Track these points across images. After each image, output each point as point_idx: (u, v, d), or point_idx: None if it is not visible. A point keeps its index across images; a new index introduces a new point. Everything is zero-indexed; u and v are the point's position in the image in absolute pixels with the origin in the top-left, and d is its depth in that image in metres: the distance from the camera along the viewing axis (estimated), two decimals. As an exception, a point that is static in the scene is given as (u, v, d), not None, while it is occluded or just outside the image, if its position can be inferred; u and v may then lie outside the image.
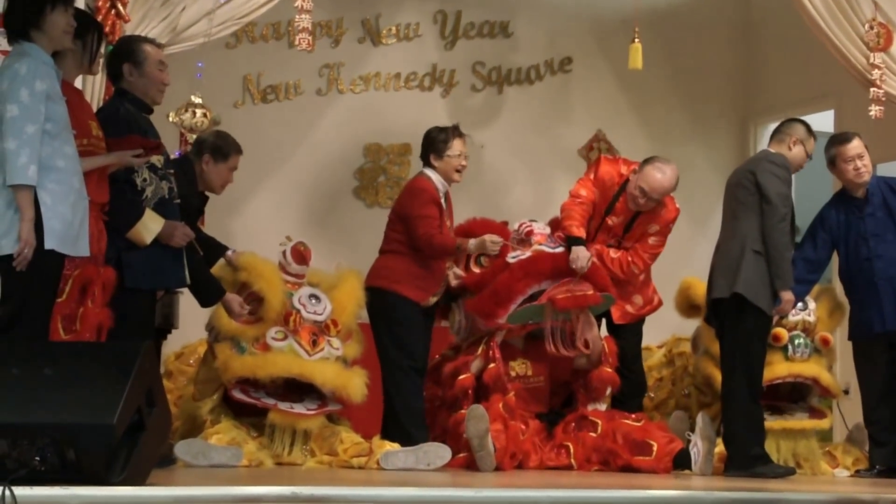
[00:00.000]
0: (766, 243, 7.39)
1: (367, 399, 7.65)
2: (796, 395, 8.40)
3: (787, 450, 8.10)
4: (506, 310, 7.76)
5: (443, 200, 7.96)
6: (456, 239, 7.82)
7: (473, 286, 7.92)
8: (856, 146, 7.93)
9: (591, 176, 8.30)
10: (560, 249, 7.95)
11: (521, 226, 8.08)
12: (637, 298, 8.34)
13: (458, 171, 7.96)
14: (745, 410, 7.47)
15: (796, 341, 8.23)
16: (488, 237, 7.83)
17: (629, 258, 8.22)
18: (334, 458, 7.43)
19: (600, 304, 7.93)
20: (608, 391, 8.09)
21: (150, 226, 6.47)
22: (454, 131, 7.99)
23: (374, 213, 10.22)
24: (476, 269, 7.98)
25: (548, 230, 8.09)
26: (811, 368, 8.31)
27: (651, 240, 8.26)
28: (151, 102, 6.77)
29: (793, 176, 7.61)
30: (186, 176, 7.26)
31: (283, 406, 7.37)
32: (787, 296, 7.49)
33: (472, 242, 7.82)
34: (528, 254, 7.91)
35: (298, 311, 7.50)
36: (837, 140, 8.04)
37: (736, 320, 7.45)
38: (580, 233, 8.00)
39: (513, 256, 7.89)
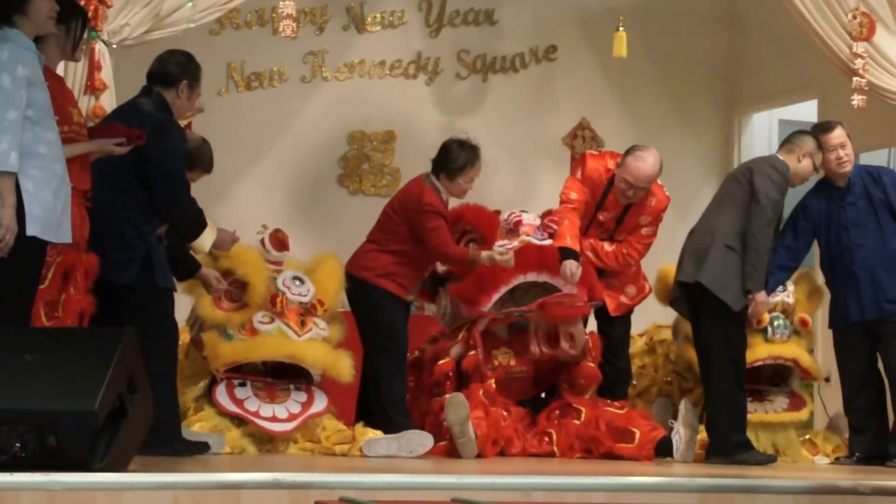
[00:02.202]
0: (747, 243, 7.44)
1: (351, 386, 7.68)
2: (777, 378, 8.41)
3: (766, 440, 8.13)
4: (489, 298, 7.76)
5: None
6: (469, 251, 7.81)
7: (460, 274, 7.92)
8: (838, 135, 7.93)
9: (579, 175, 8.23)
10: (548, 241, 7.94)
11: (510, 215, 8.07)
12: (630, 289, 8.34)
13: (464, 193, 7.96)
14: (727, 397, 7.51)
15: (775, 322, 8.25)
16: (497, 252, 7.74)
17: (624, 250, 8.23)
18: (317, 446, 7.45)
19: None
20: (591, 387, 8.09)
21: (209, 234, 6.86)
22: (474, 154, 7.89)
23: (358, 200, 10.22)
24: (465, 254, 7.98)
25: (537, 221, 8.07)
26: (791, 350, 8.33)
27: (644, 230, 8.26)
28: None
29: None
30: None
31: (262, 422, 7.33)
32: (761, 297, 7.56)
33: (485, 255, 7.75)
34: (515, 244, 7.90)
35: (284, 293, 7.50)
36: (820, 128, 8.04)
37: (706, 309, 7.51)
38: (572, 244, 7.93)
39: (500, 246, 7.88)
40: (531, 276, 7.83)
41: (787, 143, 7.82)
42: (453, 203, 8.13)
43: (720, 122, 11.41)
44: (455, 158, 7.84)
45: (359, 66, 10.46)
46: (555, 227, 7.99)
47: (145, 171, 6.55)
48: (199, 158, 7.28)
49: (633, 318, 8.62)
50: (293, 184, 10.20)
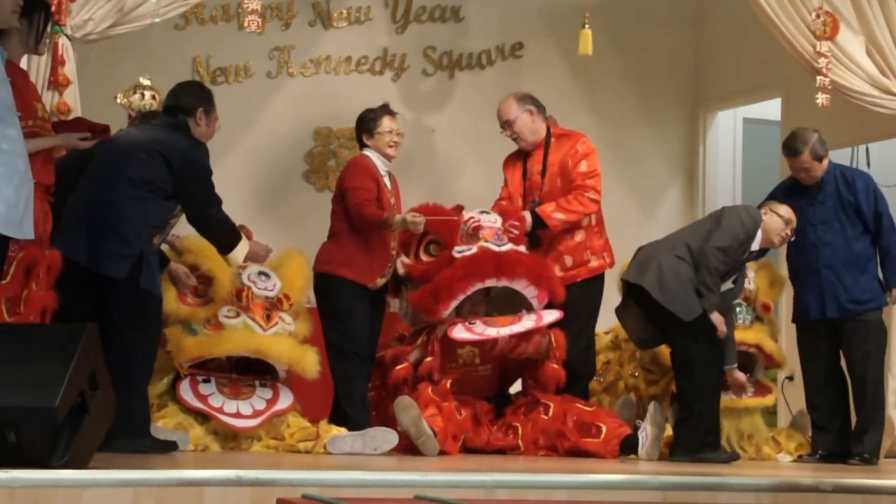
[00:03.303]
0: (699, 261, 7.52)
1: (316, 383, 7.64)
2: (741, 368, 8.37)
3: (731, 426, 8.11)
4: (446, 307, 7.69)
5: (385, 180, 7.97)
6: (383, 213, 7.77)
7: (418, 277, 7.88)
8: (803, 161, 7.99)
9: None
10: (507, 247, 7.88)
11: (469, 220, 7.98)
12: (567, 259, 8.31)
13: (390, 146, 7.99)
14: (697, 398, 7.53)
15: (737, 309, 8.24)
16: (409, 215, 7.79)
17: (574, 196, 8.18)
18: (281, 443, 7.42)
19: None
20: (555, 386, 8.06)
21: (243, 247, 7.02)
22: (382, 109, 8.05)
23: (324, 196, 10.12)
24: (424, 258, 7.94)
25: (498, 223, 7.97)
26: (754, 335, 8.35)
27: (581, 166, 8.26)
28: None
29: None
30: None
31: (226, 418, 7.31)
32: (716, 317, 7.59)
33: (398, 218, 7.76)
34: (473, 249, 7.86)
35: (249, 288, 7.48)
36: (787, 150, 8.09)
37: (663, 316, 7.57)
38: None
39: (458, 251, 7.83)
40: (489, 283, 7.78)
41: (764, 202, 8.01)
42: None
43: (685, 119, 11.39)
44: (366, 117, 8.04)
45: (325, 62, 10.42)
46: (516, 231, 7.96)
47: (162, 185, 6.78)
48: None
49: (599, 315, 8.59)
50: (259, 180, 10.15)
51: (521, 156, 8.44)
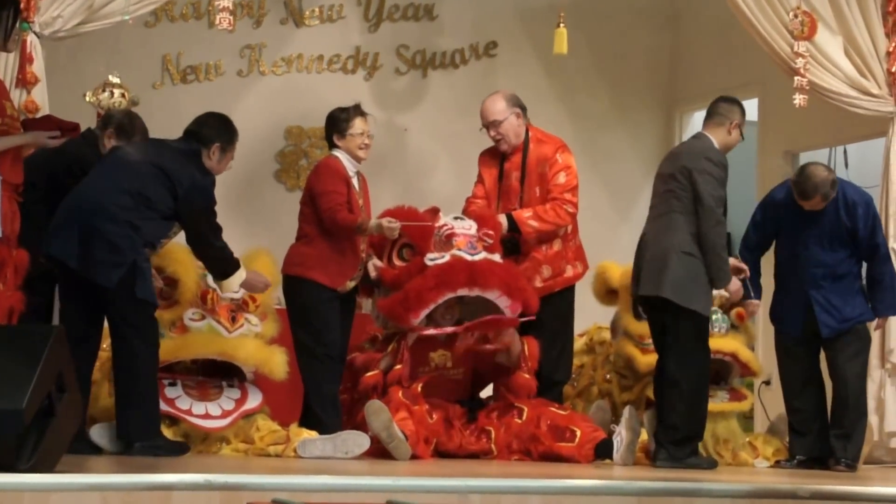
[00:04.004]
0: (702, 246, 7.40)
1: (286, 386, 7.63)
2: (716, 376, 8.34)
3: (708, 431, 8.05)
4: (416, 315, 7.64)
5: (354, 181, 7.94)
6: (358, 218, 7.76)
7: (389, 283, 7.84)
8: (812, 204, 7.86)
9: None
10: (480, 256, 7.83)
11: (443, 227, 7.92)
12: (545, 270, 8.31)
13: (361, 148, 7.96)
14: (689, 408, 7.47)
15: (713, 318, 8.14)
16: (385, 220, 7.74)
17: (552, 207, 8.16)
18: (250, 446, 7.38)
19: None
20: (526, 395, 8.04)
21: (239, 276, 7.13)
22: (355, 110, 7.99)
23: (295, 196, 10.04)
24: (398, 263, 7.89)
25: (472, 230, 7.91)
26: (729, 344, 8.31)
27: (560, 177, 8.22)
28: None
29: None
30: (91, 147, 7.32)
31: (195, 420, 7.30)
32: (733, 286, 7.60)
33: (372, 223, 7.75)
34: (446, 257, 7.84)
35: (214, 290, 7.44)
36: (797, 191, 7.86)
37: (672, 323, 7.47)
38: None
39: (431, 259, 7.79)
40: (461, 292, 7.74)
41: (714, 115, 7.68)
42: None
43: (661, 120, 11.43)
44: (338, 117, 7.98)
45: (296, 60, 10.42)
46: (490, 240, 7.94)
47: (162, 204, 6.89)
48: (134, 126, 7.43)
49: (574, 317, 8.59)
50: (229, 179, 9.96)
51: (497, 154, 8.39)
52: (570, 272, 8.33)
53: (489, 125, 8.26)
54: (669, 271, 7.39)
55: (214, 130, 7.21)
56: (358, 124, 7.95)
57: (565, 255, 8.30)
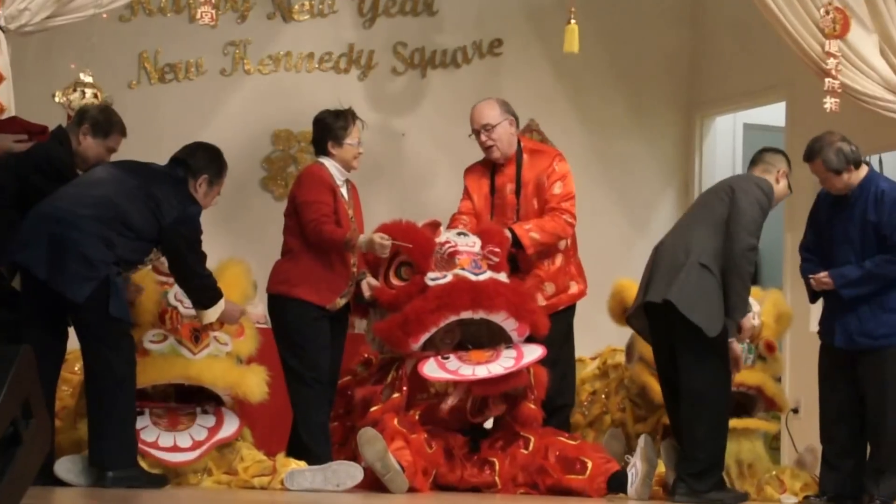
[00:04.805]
0: (730, 268, 7.41)
1: (272, 412, 7.64)
2: (740, 409, 8.34)
3: (730, 455, 8.01)
4: (416, 340, 7.61)
5: (343, 190, 7.95)
6: (346, 232, 7.75)
7: (387, 304, 7.81)
8: (814, 169, 7.77)
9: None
10: (485, 276, 7.80)
11: (444, 244, 7.90)
12: (548, 287, 8.32)
13: (356, 158, 7.99)
14: (709, 432, 7.47)
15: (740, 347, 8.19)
16: (377, 235, 7.73)
17: (551, 218, 8.21)
18: (234, 478, 7.35)
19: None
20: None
21: (219, 308, 7.20)
22: (353, 117, 8.02)
23: (283, 206, 10.12)
24: (395, 282, 7.85)
25: (476, 247, 7.89)
26: (755, 377, 8.31)
27: (556, 187, 8.28)
28: None
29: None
30: (63, 146, 7.30)
31: (161, 454, 7.23)
32: (746, 323, 7.61)
33: (362, 239, 7.75)
34: (448, 277, 7.81)
35: (175, 308, 7.41)
36: (804, 153, 7.90)
37: (680, 336, 7.48)
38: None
39: (432, 279, 7.76)
40: (465, 315, 7.72)
41: (760, 162, 7.78)
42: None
43: (680, 125, 11.44)
44: (333, 124, 7.97)
45: (284, 58, 10.42)
46: (496, 258, 7.93)
47: (140, 226, 6.98)
48: (111, 123, 7.44)
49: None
50: (211, 187, 10.12)
51: (487, 168, 8.44)
52: (574, 289, 8.41)
53: (481, 129, 8.32)
54: (680, 278, 7.42)
55: (204, 162, 7.31)
56: (355, 133, 7.97)
57: (568, 271, 8.37)
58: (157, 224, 6.98)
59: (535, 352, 7.74)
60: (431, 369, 7.58)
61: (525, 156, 8.38)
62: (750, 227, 7.43)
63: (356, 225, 7.93)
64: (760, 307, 8.42)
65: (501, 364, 7.63)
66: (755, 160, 7.85)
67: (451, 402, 7.70)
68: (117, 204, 6.88)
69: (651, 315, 7.66)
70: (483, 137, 8.31)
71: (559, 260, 8.32)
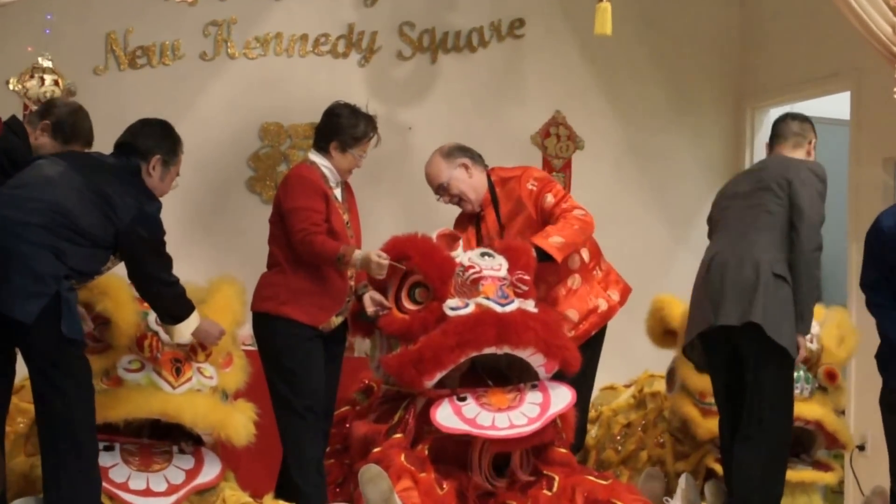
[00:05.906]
0: (799, 272, 7.42)
1: (259, 447, 7.56)
2: (797, 446, 8.34)
3: (784, 510, 8.01)
4: (431, 378, 7.53)
5: (337, 192, 7.92)
6: (340, 247, 7.69)
7: (399, 333, 7.72)
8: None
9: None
10: (512, 306, 7.70)
11: (468, 269, 7.80)
12: (572, 314, 8.28)
13: (350, 171, 8.02)
14: (765, 476, 7.44)
15: (795, 375, 8.08)
16: (374, 253, 7.68)
17: (565, 220, 8.21)
18: (215, 523, 7.34)
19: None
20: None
21: (192, 321, 7.16)
22: (374, 128, 8.04)
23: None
24: (409, 306, 7.76)
25: (502, 270, 7.83)
26: (814, 410, 8.29)
27: (547, 200, 8.31)
28: None
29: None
30: (21, 138, 7.28)
31: (131, 498, 7.15)
32: (803, 341, 7.53)
33: (357, 255, 7.66)
34: (470, 307, 7.70)
35: (156, 334, 7.34)
36: None
37: (759, 356, 7.42)
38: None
39: (452, 308, 7.65)
40: (487, 351, 7.61)
41: (790, 136, 7.86)
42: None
43: (729, 118, 11.48)
44: (353, 125, 7.96)
45: (274, 40, 10.41)
46: (525, 286, 7.84)
47: (94, 231, 6.83)
48: (77, 129, 7.37)
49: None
50: (191, 189, 9.98)
51: (471, 221, 8.52)
52: (603, 305, 8.39)
53: (437, 191, 8.48)
54: (760, 295, 7.38)
55: (153, 140, 7.20)
56: (365, 146, 8.01)
57: (591, 289, 8.39)
58: (112, 227, 6.86)
59: (563, 398, 7.67)
60: (446, 417, 7.48)
61: (498, 190, 8.47)
62: (817, 224, 7.46)
63: (353, 230, 7.88)
64: (820, 329, 8.37)
65: (524, 412, 7.53)
66: (782, 133, 7.88)
67: None
68: (68, 209, 6.75)
69: (713, 340, 7.59)
70: (445, 199, 8.48)
71: (574, 282, 8.37)
